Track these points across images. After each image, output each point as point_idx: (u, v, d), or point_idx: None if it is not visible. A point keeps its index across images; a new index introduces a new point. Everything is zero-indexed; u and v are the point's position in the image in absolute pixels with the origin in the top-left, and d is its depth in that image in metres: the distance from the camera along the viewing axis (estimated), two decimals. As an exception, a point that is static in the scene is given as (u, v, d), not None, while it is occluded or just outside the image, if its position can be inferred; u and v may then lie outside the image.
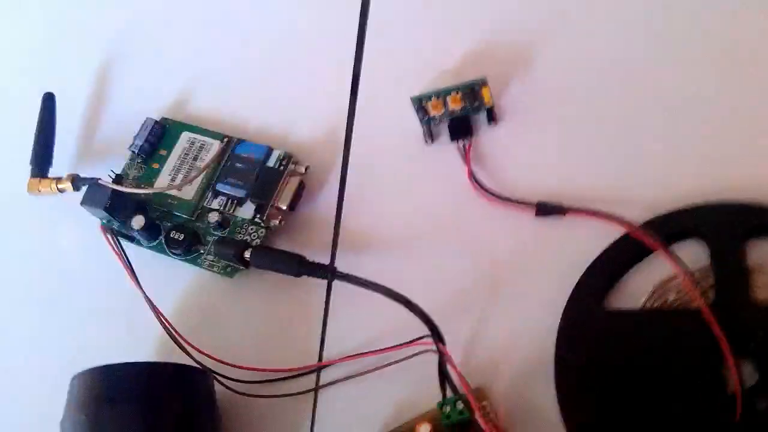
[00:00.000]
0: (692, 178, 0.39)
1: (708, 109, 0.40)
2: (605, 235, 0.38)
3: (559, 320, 0.36)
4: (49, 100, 0.46)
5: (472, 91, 0.41)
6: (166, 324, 0.38)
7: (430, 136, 0.42)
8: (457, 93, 0.41)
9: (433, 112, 0.41)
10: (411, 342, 0.35)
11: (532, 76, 0.43)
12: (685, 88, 0.41)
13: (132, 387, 0.33)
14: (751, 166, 0.39)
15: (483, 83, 0.41)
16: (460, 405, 0.33)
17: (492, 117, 0.42)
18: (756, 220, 0.37)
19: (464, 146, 0.42)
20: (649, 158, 0.40)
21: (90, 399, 0.33)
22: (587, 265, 0.37)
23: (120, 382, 0.33)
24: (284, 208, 0.41)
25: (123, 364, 0.34)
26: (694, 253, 0.37)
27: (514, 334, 0.37)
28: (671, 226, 0.38)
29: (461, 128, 0.42)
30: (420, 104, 0.41)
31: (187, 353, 0.37)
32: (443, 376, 0.34)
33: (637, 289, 0.37)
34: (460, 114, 0.42)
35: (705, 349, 0.34)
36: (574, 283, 0.37)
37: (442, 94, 0.41)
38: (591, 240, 0.38)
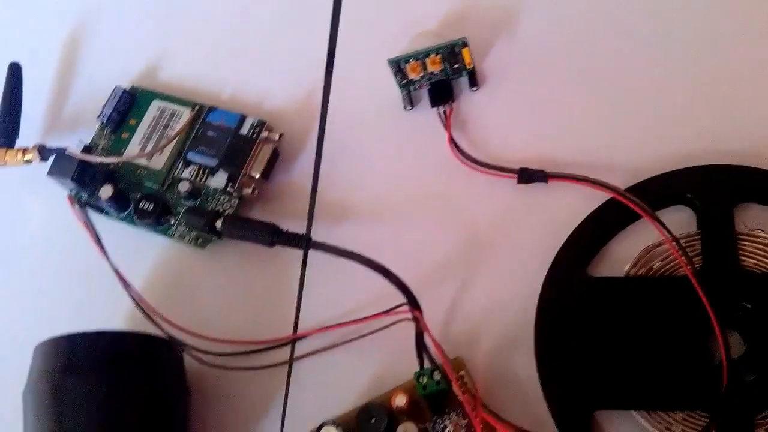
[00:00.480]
0: (678, 142, 0.38)
1: (693, 73, 0.39)
2: (589, 201, 0.37)
3: (541, 288, 0.35)
4: (15, 70, 0.45)
5: (452, 53, 0.39)
6: (135, 296, 0.37)
7: (410, 101, 0.41)
8: (437, 55, 0.39)
9: (411, 76, 0.40)
10: (388, 311, 0.34)
11: (515, 38, 0.42)
12: (671, 51, 0.40)
13: (96, 356, 0.32)
14: (738, 128, 0.38)
15: (464, 44, 0.39)
16: (437, 375, 0.32)
17: (474, 81, 0.41)
18: (745, 183, 0.36)
19: (445, 112, 0.40)
20: (635, 122, 0.39)
21: (53, 368, 0.32)
22: (570, 231, 0.36)
23: (83, 352, 0.32)
24: (257, 176, 0.40)
25: (86, 332, 0.32)
26: (680, 219, 0.36)
27: (494, 303, 0.36)
28: (657, 191, 0.36)
29: (442, 93, 0.40)
30: (398, 67, 0.40)
31: (158, 325, 0.36)
32: (420, 346, 0.33)
33: (622, 256, 0.36)
34: (440, 77, 0.40)
35: (691, 318, 0.33)
36: (557, 251, 0.36)
37: (420, 56, 0.39)
38: (574, 206, 0.37)
